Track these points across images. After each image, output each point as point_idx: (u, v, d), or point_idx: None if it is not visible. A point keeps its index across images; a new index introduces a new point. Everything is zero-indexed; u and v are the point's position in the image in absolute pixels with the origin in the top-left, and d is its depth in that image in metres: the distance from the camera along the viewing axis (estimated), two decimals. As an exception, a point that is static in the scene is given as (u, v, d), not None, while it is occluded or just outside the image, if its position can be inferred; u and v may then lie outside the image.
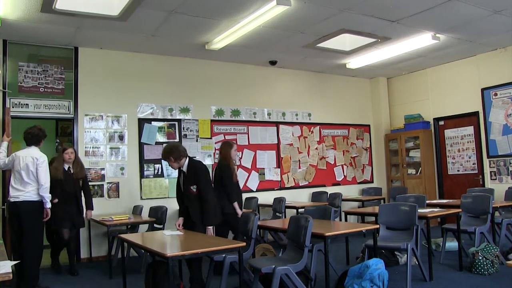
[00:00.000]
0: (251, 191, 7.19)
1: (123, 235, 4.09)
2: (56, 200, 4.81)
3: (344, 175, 8.36)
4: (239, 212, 4.98)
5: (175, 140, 6.66)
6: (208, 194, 4.15)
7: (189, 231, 4.08)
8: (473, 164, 7.52)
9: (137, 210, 5.98)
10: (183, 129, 6.78)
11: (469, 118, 7.56)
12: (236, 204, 4.99)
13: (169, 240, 3.70)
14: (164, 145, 4.47)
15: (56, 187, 4.84)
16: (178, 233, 3.98)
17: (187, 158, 4.28)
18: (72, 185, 5.11)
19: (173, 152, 4.18)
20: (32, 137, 4.47)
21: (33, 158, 4.34)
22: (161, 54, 6.65)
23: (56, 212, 4.77)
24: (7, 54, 5.65)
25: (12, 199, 4.35)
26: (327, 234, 3.58)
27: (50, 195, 4.42)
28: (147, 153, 6.44)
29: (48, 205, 4.41)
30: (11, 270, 2.29)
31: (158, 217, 5.61)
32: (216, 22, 5.38)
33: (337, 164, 8.28)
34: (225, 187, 4.97)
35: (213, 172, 5.50)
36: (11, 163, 4.48)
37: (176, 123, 6.74)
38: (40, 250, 4.48)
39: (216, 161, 6.95)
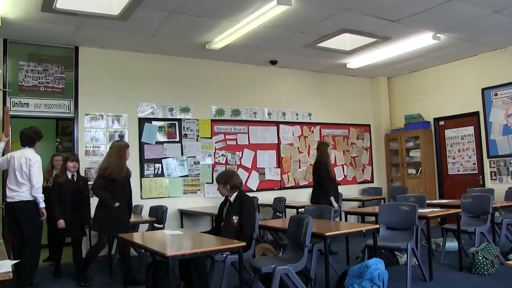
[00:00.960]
0: (251, 190, 7.18)
1: (123, 235, 4.08)
2: (117, 204, 4.43)
3: (344, 175, 8.36)
4: (335, 205, 5.69)
5: (176, 140, 6.67)
6: (248, 228, 4.02)
7: (189, 231, 4.08)
8: (473, 164, 7.52)
9: (137, 209, 5.97)
10: (184, 128, 6.78)
11: (469, 118, 7.56)
12: (332, 198, 5.71)
13: (169, 240, 3.70)
14: (225, 170, 4.36)
15: (118, 189, 4.50)
16: (178, 232, 3.99)
17: (238, 191, 4.19)
18: (129, 186, 4.71)
19: (232, 180, 4.13)
20: (26, 139, 4.48)
21: (26, 159, 4.34)
22: (161, 54, 6.64)
23: (116, 218, 4.45)
24: (8, 53, 5.65)
25: (8, 200, 4.36)
26: (327, 234, 3.59)
27: (42, 195, 4.39)
28: (147, 152, 6.44)
29: (42, 205, 4.38)
30: (11, 270, 2.29)
31: (158, 216, 5.61)
32: (216, 22, 5.38)
33: (337, 164, 8.28)
34: (322, 183, 5.70)
35: (312, 170, 6.22)
36: (5, 163, 4.50)
37: (177, 122, 6.75)
38: (38, 250, 4.46)
39: (217, 160, 6.99)
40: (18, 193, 4.30)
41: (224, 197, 4.33)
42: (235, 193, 4.18)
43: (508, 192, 6.01)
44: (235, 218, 4.06)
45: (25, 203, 4.31)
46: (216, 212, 4.52)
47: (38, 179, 4.34)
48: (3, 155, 4.72)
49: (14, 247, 4.42)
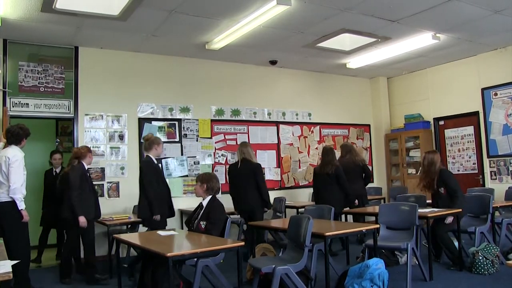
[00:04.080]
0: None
1: (120, 235, 4.07)
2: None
3: (344, 175, 8.34)
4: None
5: (176, 140, 6.67)
6: (215, 233, 3.95)
7: (184, 231, 4.08)
8: (473, 164, 7.52)
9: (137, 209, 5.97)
10: (183, 128, 6.78)
11: (469, 118, 7.56)
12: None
13: (168, 240, 3.70)
14: (210, 172, 4.65)
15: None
16: (173, 233, 3.98)
17: (212, 196, 4.17)
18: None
19: (211, 182, 4.14)
20: (12, 136, 4.29)
21: (6, 158, 4.15)
22: (161, 54, 6.64)
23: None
24: (7, 53, 5.65)
25: None
26: (327, 234, 3.58)
27: (20, 196, 4.16)
28: (147, 152, 6.43)
29: (21, 206, 4.15)
30: (11, 270, 2.29)
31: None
32: (216, 22, 5.38)
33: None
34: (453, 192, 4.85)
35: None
36: None
37: (176, 122, 6.75)
38: (26, 252, 4.27)
39: (217, 160, 6.98)
40: None
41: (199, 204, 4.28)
42: (209, 197, 4.13)
43: (508, 192, 6.01)
44: (203, 224, 4.00)
45: (4, 204, 4.11)
46: None
47: (15, 179, 4.12)
48: None
49: None
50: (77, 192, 4.67)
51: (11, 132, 4.31)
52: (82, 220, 4.63)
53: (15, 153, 4.22)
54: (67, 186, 4.76)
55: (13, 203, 4.14)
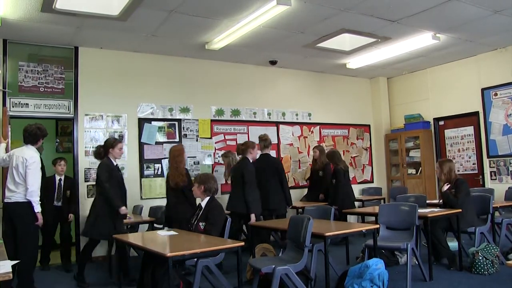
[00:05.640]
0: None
1: (120, 235, 4.07)
2: None
3: (344, 175, 8.34)
4: None
5: (176, 140, 6.67)
6: (214, 233, 3.95)
7: (186, 231, 4.08)
8: (473, 164, 7.52)
9: (137, 210, 5.98)
10: (183, 129, 6.78)
11: (469, 118, 7.56)
12: None
13: (168, 240, 3.70)
14: (207, 173, 4.91)
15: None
16: (173, 233, 3.98)
17: (210, 196, 4.18)
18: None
19: (208, 183, 4.14)
20: (29, 136, 4.25)
21: (23, 159, 4.11)
22: (161, 54, 6.64)
23: None
24: (7, 53, 5.65)
25: (5, 200, 4.18)
26: (327, 234, 3.58)
27: (37, 198, 4.12)
28: (147, 153, 6.44)
29: (37, 209, 4.11)
30: (11, 270, 2.28)
31: (158, 217, 5.61)
32: (216, 22, 5.38)
33: (337, 164, 8.26)
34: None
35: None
36: (8, 159, 4.28)
37: (176, 123, 6.74)
38: (33, 254, 4.25)
39: (217, 160, 6.98)
40: (15, 193, 4.10)
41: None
42: (207, 198, 4.15)
43: (508, 192, 6.02)
44: (202, 225, 4.01)
45: (19, 205, 4.09)
46: None
47: (33, 182, 4.09)
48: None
49: (7, 250, 4.32)
50: (252, 188, 4.98)
51: (28, 132, 4.25)
52: (253, 218, 5.03)
53: (32, 154, 4.19)
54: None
55: (28, 204, 4.10)
